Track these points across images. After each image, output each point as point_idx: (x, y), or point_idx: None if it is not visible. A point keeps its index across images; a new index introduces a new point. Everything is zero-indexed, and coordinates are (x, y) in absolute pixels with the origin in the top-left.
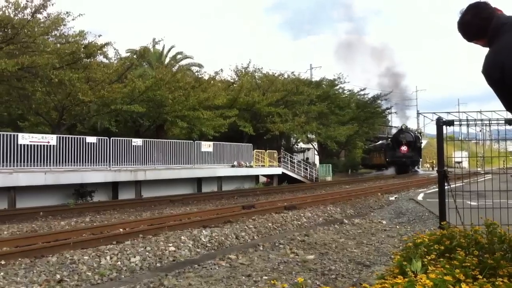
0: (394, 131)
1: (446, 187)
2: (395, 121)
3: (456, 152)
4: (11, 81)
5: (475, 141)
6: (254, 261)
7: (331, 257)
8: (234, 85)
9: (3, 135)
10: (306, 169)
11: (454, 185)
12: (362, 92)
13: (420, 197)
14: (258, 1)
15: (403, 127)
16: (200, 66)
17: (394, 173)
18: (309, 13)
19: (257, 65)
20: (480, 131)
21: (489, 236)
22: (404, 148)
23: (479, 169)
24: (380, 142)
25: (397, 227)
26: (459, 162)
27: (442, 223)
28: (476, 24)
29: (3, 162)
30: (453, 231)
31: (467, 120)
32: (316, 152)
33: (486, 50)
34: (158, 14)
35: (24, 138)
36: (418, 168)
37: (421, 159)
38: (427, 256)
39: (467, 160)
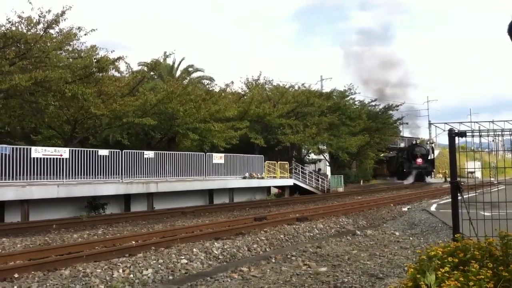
0: (402, 141)
1: (459, 198)
2: (406, 132)
3: (468, 162)
4: (24, 95)
5: (487, 151)
6: (267, 274)
7: (343, 269)
8: (245, 97)
9: (16, 148)
10: (318, 180)
11: (467, 196)
12: (373, 103)
13: (433, 208)
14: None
15: (417, 141)
16: (211, 79)
17: (411, 181)
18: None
19: (267, 77)
20: (493, 141)
21: (504, 248)
22: (419, 160)
23: (492, 179)
24: (383, 155)
25: (410, 238)
26: (472, 172)
27: (455, 235)
28: None
29: (16, 175)
30: (467, 243)
31: (480, 130)
32: (327, 163)
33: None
34: (171, 26)
35: (37, 152)
36: (432, 178)
37: (434, 170)
38: (441, 269)
39: (480, 170)
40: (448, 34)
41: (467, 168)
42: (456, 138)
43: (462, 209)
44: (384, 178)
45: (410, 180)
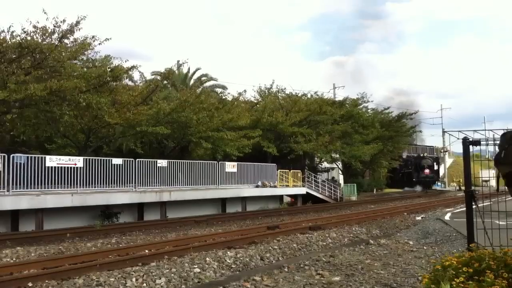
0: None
1: (474, 207)
2: (418, 140)
3: (483, 171)
4: (39, 104)
5: None
6: (279, 283)
7: (357, 278)
8: (258, 105)
9: (31, 157)
10: (331, 189)
11: (482, 205)
12: (386, 111)
13: (447, 217)
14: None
15: (424, 154)
16: (224, 88)
17: (421, 189)
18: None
19: (280, 85)
20: None
21: None
22: (426, 171)
23: (507, 188)
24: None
25: (424, 248)
26: (486, 181)
27: (470, 245)
28: None
29: (31, 184)
30: (482, 253)
31: (494, 138)
32: (340, 172)
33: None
34: (187, 35)
35: (52, 160)
36: (437, 185)
37: (439, 179)
38: (455, 279)
39: (494, 179)
40: (463, 41)
41: (481, 177)
42: (471, 146)
43: (477, 218)
44: (397, 186)
45: (419, 188)
